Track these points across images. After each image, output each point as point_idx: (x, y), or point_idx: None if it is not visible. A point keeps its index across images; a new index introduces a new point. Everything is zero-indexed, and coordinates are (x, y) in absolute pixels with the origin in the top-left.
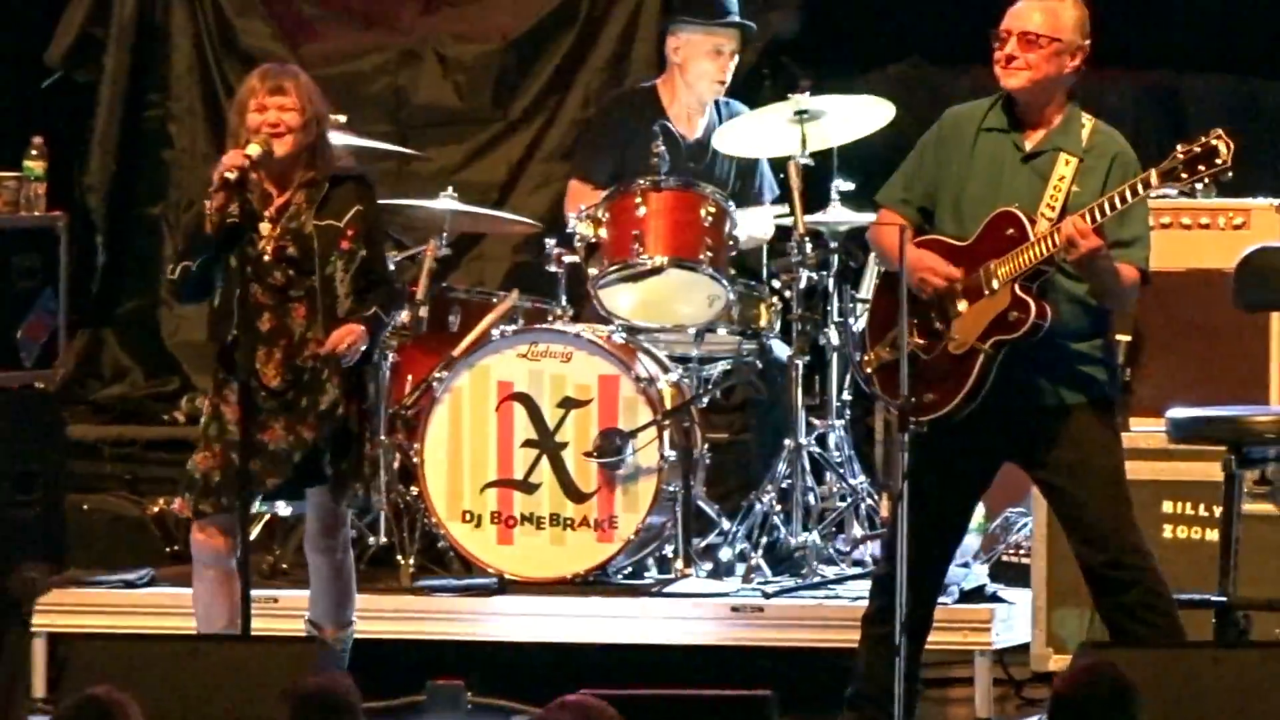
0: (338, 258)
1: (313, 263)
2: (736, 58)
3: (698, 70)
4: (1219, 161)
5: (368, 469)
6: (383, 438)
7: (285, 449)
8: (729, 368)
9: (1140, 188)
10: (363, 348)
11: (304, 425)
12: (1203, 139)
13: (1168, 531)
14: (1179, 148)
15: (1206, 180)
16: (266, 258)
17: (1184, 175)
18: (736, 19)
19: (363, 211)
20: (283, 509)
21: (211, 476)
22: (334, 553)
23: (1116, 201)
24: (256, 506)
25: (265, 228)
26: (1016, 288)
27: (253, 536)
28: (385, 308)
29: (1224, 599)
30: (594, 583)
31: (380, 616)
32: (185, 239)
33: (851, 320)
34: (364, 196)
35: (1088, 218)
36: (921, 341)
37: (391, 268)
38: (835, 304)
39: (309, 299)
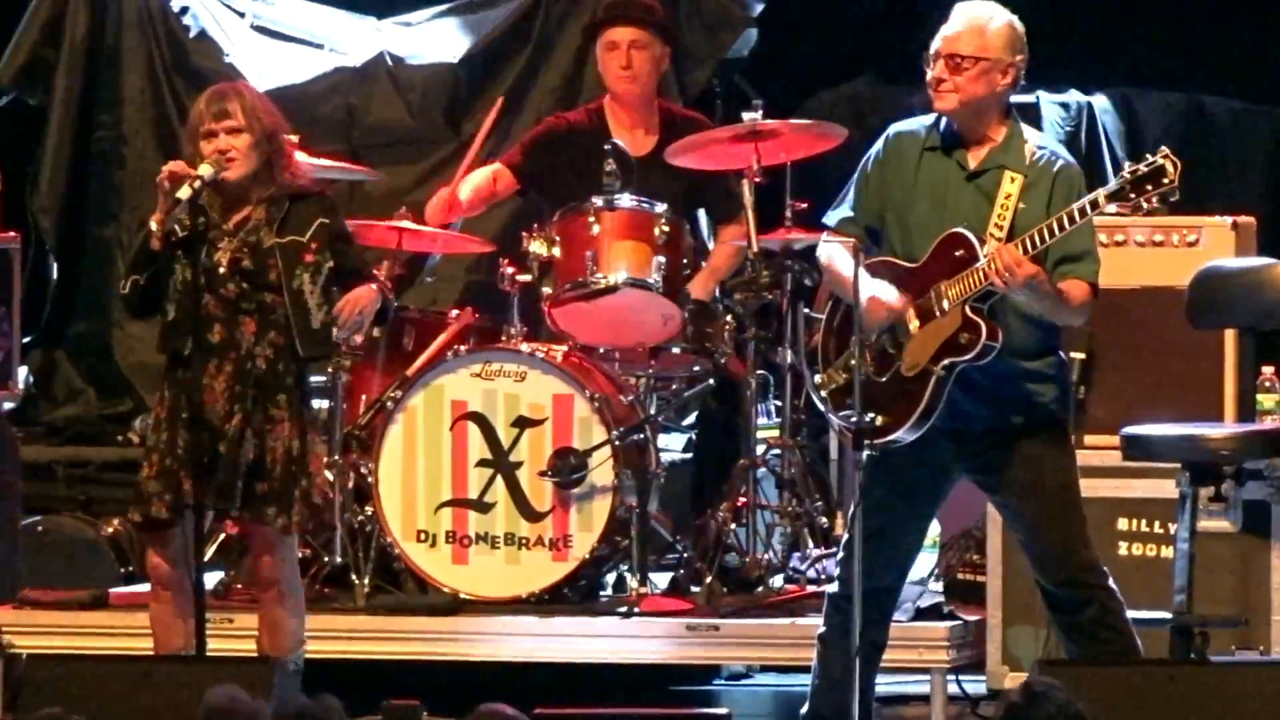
0: (303, 270)
1: (266, 277)
2: (646, 52)
3: (605, 69)
4: (1166, 181)
5: (297, 492)
6: (336, 458)
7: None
8: (683, 386)
9: (1089, 209)
10: (371, 311)
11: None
12: (1149, 159)
13: (1123, 549)
14: (1126, 168)
15: (1154, 200)
16: (221, 269)
17: (1131, 196)
18: (625, 13)
19: (327, 224)
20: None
21: (147, 485)
22: (274, 582)
23: (1065, 222)
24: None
25: (223, 241)
26: (967, 309)
27: (207, 557)
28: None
29: (1180, 617)
30: (549, 602)
31: (335, 636)
32: (133, 254)
33: (806, 339)
34: (327, 210)
35: (1034, 240)
36: (873, 364)
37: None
38: (790, 323)
39: (259, 314)
